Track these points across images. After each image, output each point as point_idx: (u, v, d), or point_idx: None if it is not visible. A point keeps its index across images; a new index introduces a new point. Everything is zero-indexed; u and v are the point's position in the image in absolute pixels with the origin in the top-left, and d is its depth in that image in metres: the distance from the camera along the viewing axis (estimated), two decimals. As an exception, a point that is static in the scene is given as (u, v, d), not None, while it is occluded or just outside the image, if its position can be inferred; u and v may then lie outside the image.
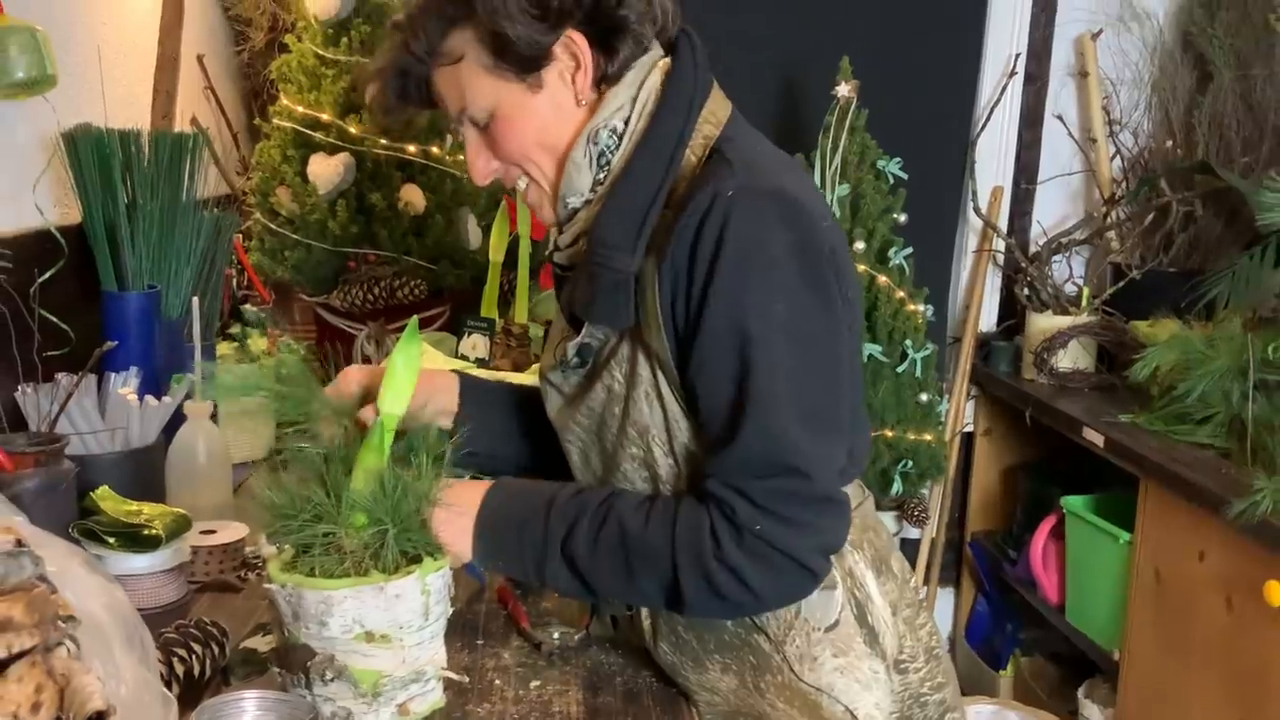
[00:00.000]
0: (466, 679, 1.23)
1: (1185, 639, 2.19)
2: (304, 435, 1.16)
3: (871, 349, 2.60)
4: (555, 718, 1.19)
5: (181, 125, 2.32)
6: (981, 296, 3.06)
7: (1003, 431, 3.08)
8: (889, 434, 2.64)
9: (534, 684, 1.26)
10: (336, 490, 1.07)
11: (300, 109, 2.25)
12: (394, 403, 1.10)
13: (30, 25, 1.57)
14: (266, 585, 1.08)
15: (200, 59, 2.54)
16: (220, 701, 1.02)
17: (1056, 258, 2.97)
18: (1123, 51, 3.00)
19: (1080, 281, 2.96)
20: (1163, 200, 2.85)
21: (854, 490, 1.26)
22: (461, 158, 2.40)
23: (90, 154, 1.74)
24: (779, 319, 1.09)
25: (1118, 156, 2.99)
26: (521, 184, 1.23)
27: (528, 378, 1.94)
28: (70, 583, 0.92)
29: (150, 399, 1.61)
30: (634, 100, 1.18)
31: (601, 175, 1.18)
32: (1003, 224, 3.06)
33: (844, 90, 2.53)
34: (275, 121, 2.29)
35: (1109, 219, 2.96)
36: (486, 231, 2.27)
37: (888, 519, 2.90)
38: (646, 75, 1.19)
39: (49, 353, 1.67)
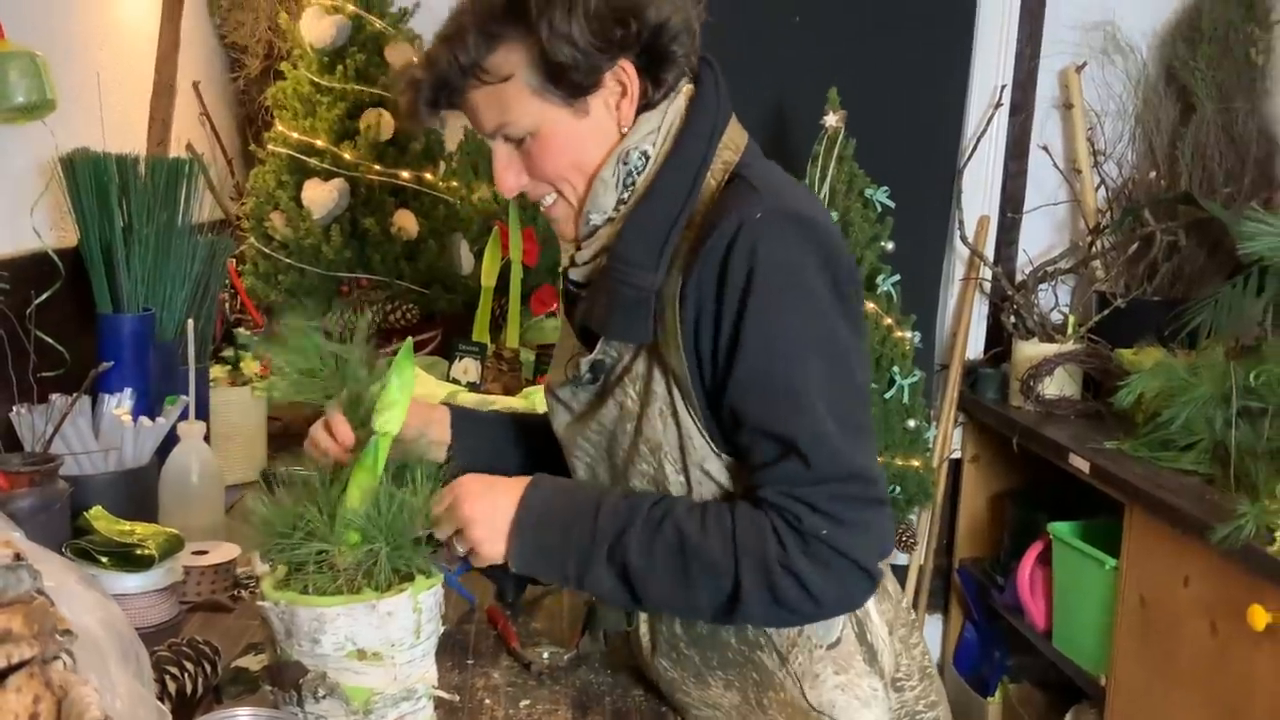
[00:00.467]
0: (457, 698, 1.24)
1: (1171, 664, 2.21)
2: (298, 457, 1.17)
3: (859, 375, 2.61)
4: (545, 736, 1.20)
5: (177, 151, 2.34)
6: (968, 324, 3.09)
7: (990, 458, 3.10)
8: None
9: (523, 703, 1.27)
10: (330, 508, 1.08)
11: (295, 135, 2.27)
12: (389, 422, 1.11)
13: (30, 50, 1.59)
14: (259, 603, 1.09)
15: (196, 85, 2.57)
16: (213, 718, 1.03)
17: (1042, 286, 3.00)
18: (1107, 84, 3.04)
19: (1066, 310, 2.99)
20: (1147, 230, 2.88)
21: None
22: (454, 184, 2.43)
23: (88, 178, 1.76)
24: (816, 335, 1.12)
25: (1102, 187, 3.03)
26: (548, 199, 1.24)
27: (519, 402, 1.96)
28: (67, 598, 0.93)
29: (144, 420, 1.62)
30: (661, 124, 1.20)
31: (625, 195, 1.20)
32: (989, 253, 3.09)
33: (832, 120, 2.56)
34: (270, 147, 2.31)
35: (1094, 248, 2.99)
36: (479, 257, 2.29)
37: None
38: (673, 100, 1.21)
39: (44, 373, 1.68)
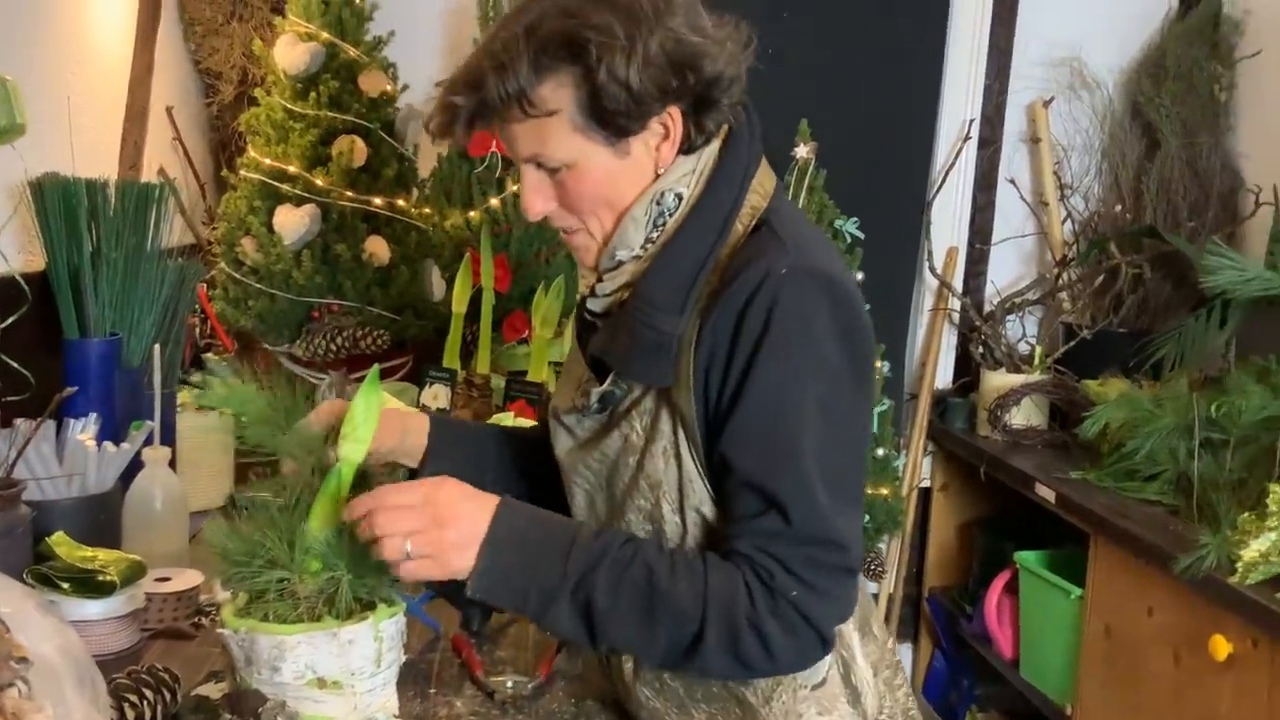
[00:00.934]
0: (417, 726, 1.23)
1: (1135, 693, 2.22)
2: (267, 474, 1.17)
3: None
4: (506, 765, 1.20)
5: (149, 175, 2.34)
6: (937, 354, 3.12)
7: (959, 487, 3.12)
8: (846, 488, 2.66)
9: (486, 731, 1.27)
10: (290, 536, 1.08)
11: (268, 161, 2.27)
12: (353, 449, 1.11)
13: (0, 75, 1.59)
14: (219, 630, 1.08)
15: (170, 110, 2.57)
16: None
17: (1010, 317, 3.03)
18: (1074, 119, 3.09)
19: (1033, 340, 3.02)
20: (1112, 263, 2.92)
21: None
22: (427, 210, 2.44)
23: (56, 202, 1.76)
24: (820, 396, 1.11)
25: (1069, 220, 3.07)
26: (571, 229, 1.22)
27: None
28: (24, 624, 0.93)
29: (109, 445, 1.61)
30: (697, 166, 1.19)
31: (654, 234, 1.19)
32: (958, 284, 3.12)
33: (803, 151, 2.59)
34: (243, 173, 2.31)
35: (1060, 280, 3.03)
36: (450, 283, 2.29)
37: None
38: (710, 143, 1.20)
39: (9, 398, 1.67)
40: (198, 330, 2.29)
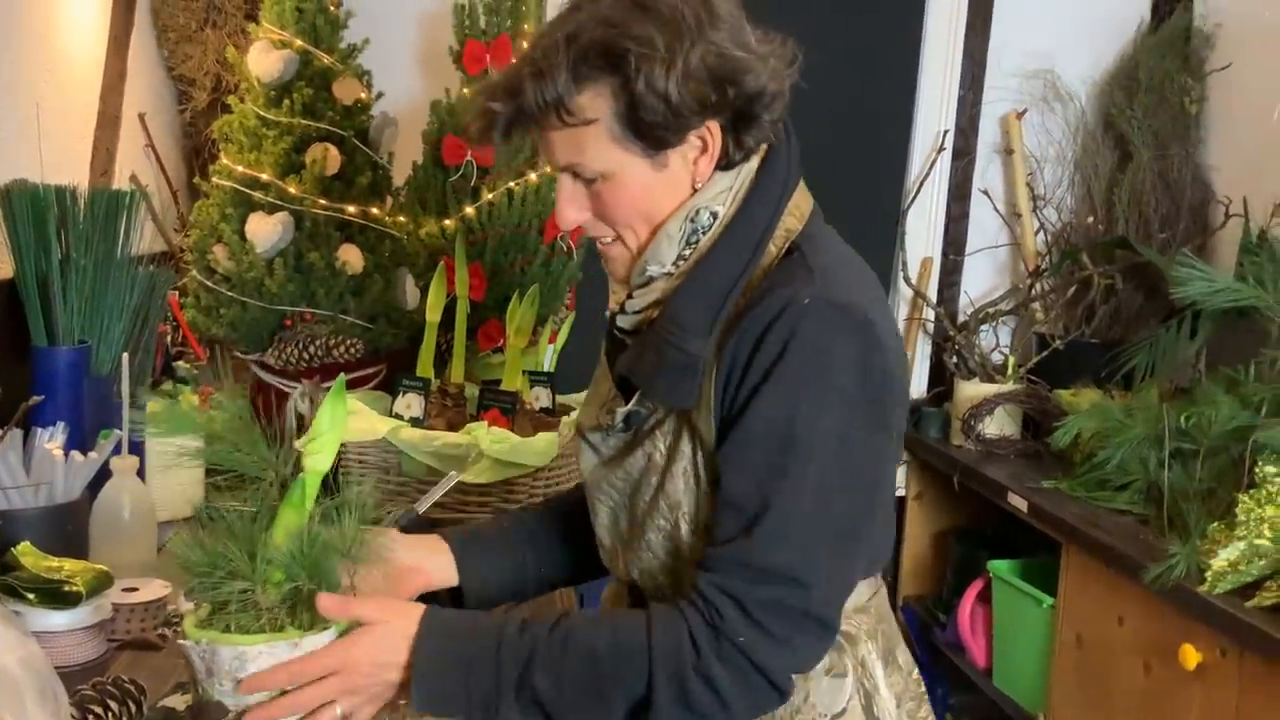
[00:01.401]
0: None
1: (1106, 702, 2.23)
2: (233, 490, 1.16)
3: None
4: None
5: (121, 182, 2.33)
6: (912, 363, 3.13)
7: (933, 496, 3.13)
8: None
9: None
10: (253, 547, 1.07)
11: (240, 168, 2.26)
12: (317, 459, 1.11)
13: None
14: (180, 641, 1.07)
15: (142, 117, 2.55)
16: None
17: (983, 327, 3.05)
18: (1047, 130, 3.11)
19: (1006, 350, 3.04)
20: (1085, 273, 2.94)
21: (870, 583, 1.26)
22: (401, 219, 2.43)
23: (25, 208, 1.75)
24: (825, 432, 1.09)
25: (1042, 231, 3.09)
26: (606, 239, 1.21)
27: (461, 438, 1.95)
28: (-16, 636, 0.92)
29: (76, 454, 1.60)
30: (734, 184, 1.18)
31: (687, 251, 1.17)
32: (932, 294, 3.14)
33: (778, 161, 2.60)
34: (215, 180, 2.30)
35: (1034, 291, 3.05)
36: (424, 292, 2.28)
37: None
38: (749, 160, 1.19)
39: (-25, 406, 1.66)
40: (169, 338, 2.27)
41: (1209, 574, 1.91)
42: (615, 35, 1.10)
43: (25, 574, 1.40)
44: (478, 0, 2.43)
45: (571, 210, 1.18)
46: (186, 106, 2.77)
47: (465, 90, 2.43)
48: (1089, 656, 2.29)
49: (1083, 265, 2.96)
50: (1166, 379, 2.52)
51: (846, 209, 2.83)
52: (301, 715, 1.07)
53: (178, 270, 2.37)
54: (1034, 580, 2.49)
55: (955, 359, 2.99)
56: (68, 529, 1.55)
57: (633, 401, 1.19)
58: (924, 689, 1.30)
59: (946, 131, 3.07)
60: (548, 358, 2.37)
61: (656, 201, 1.16)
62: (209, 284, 2.26)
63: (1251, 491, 1.96)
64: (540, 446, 1.95)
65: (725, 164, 1.17)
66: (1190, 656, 1.95)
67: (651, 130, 1.12)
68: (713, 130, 1.15)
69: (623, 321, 1.23)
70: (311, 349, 2.24)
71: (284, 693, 1.07)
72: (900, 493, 3.15)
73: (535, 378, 2.23)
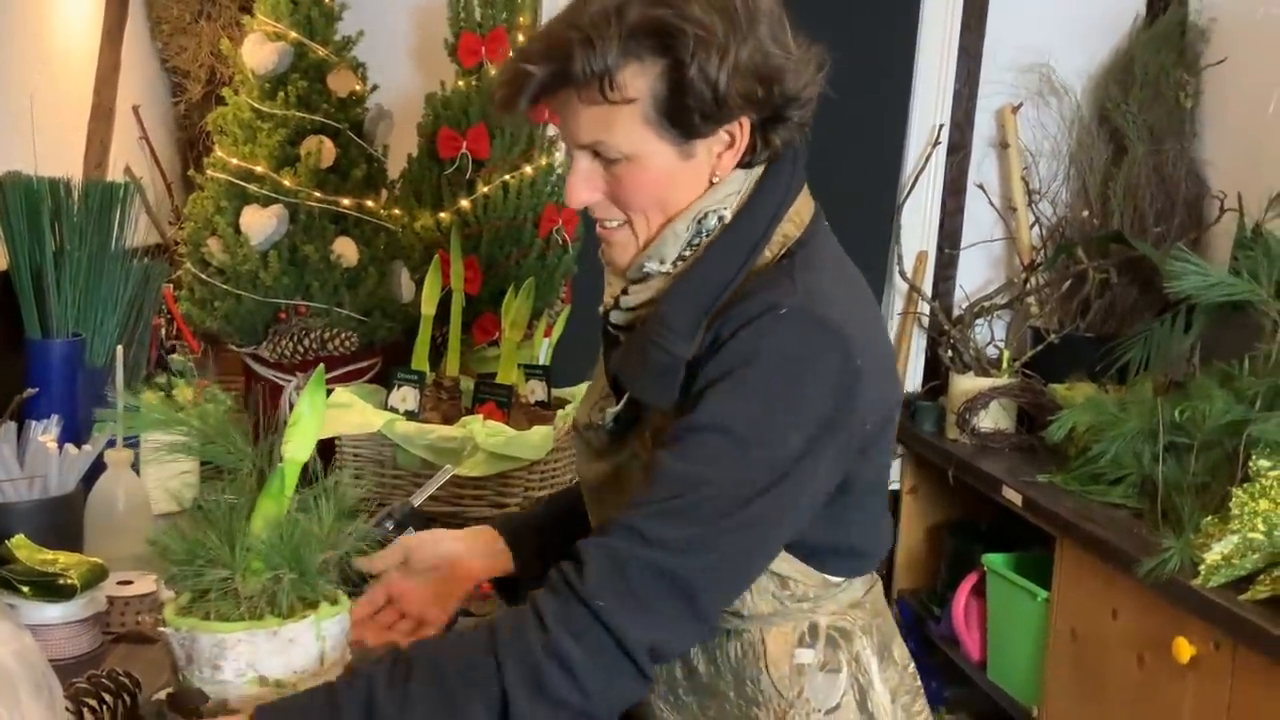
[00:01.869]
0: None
1: (1100, 695, 2.24)
2: (208, 481, 1.17)
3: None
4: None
5: (115, 174, 2.32)
6: (907, 358, 3.13)
7: (928, 490, 3.14)
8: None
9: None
10: (232, 536, 1.07)
11: (235, 161, 2.26)
12: (297, 449, 1.11)
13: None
14: (160, 629, 1.08)
15: (136, 109, 2.55)
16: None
17: (978, 321, 3.05)
18: (1042, 125, 3.11)
19: (1001, 345, 3.04)
20: (1079, 268, 2.95)
21: (865, 579, 1.26)
22: (396, 211, 2.42)
23: (19, 201, 1.74)
24: (774, 440, 1.06)
25: (1037, 225, 3.09)
26: (613, 223, 1.18)
27: (457, 431, 1.95)
28: (-22, 629, 0.91)
29: (70, 447, 1.60)
30: (740, 188, 1.16)
31: (687, 252, 1.16)
32: (927, 288, 3.14)
33: (773, 155, 2.60)
34: (210, 173, 2.29)
35: (1028, 285, 3.05)
36: (419, 285, 2.28)
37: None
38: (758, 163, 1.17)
39: (-32, 399, 1.66)
40: (163, 331, 2.27)
41: (1203, 567, 1.91)
42: (672, 16, 1.07)
43: (19, 567, 1.40)
44: (473, -7, 2.43)
45: (584, 189, 1.15)
46: (181, 99, 2.76)
47: (460, 83, 2.42)
48: (1083, 650, 2.29)
49: (1078, 259, 2.96)
50: (1161, 373, 2.52)
51: (841, 203, 2.83)
52: None
53: (172, 263, 2.37)
54: (1028, 574, 2.50)
55: (950, 353, 2.99)
56: (62, 522, 1.55)
57: (622, 403, 1.19)
58: (920, 683, 1.30)
59: (942, 126, 3.07)
60: (543, 351, 2.37)
61: (675, 190, 1.14)
62: (203, 277, 2.25)
63: (1245, 485, 1.96)
64: (535, 440, 1.95)
65: (746, 162, 1.16)
66: (1184, 650, 1.96)
67: (689, 118, 1.09)
68: (744, 126, 1.13)
69: (617, 318, 1.22)
70: (306, 342, 2.23)
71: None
72: (894, 487, 3.15)
73: (531, 371, 2.23)
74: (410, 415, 2.08)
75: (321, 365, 1.16)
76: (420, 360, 2.21)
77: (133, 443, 1.75)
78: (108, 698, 1.19)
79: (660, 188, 1.14)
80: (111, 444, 1.67)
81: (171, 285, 2.32)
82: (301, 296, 2.25)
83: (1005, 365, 2.89)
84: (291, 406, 2.07)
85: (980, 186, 3.11)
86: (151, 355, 2.13)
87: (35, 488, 1.55)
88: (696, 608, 1.05)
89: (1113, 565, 2.14)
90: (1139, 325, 2.69)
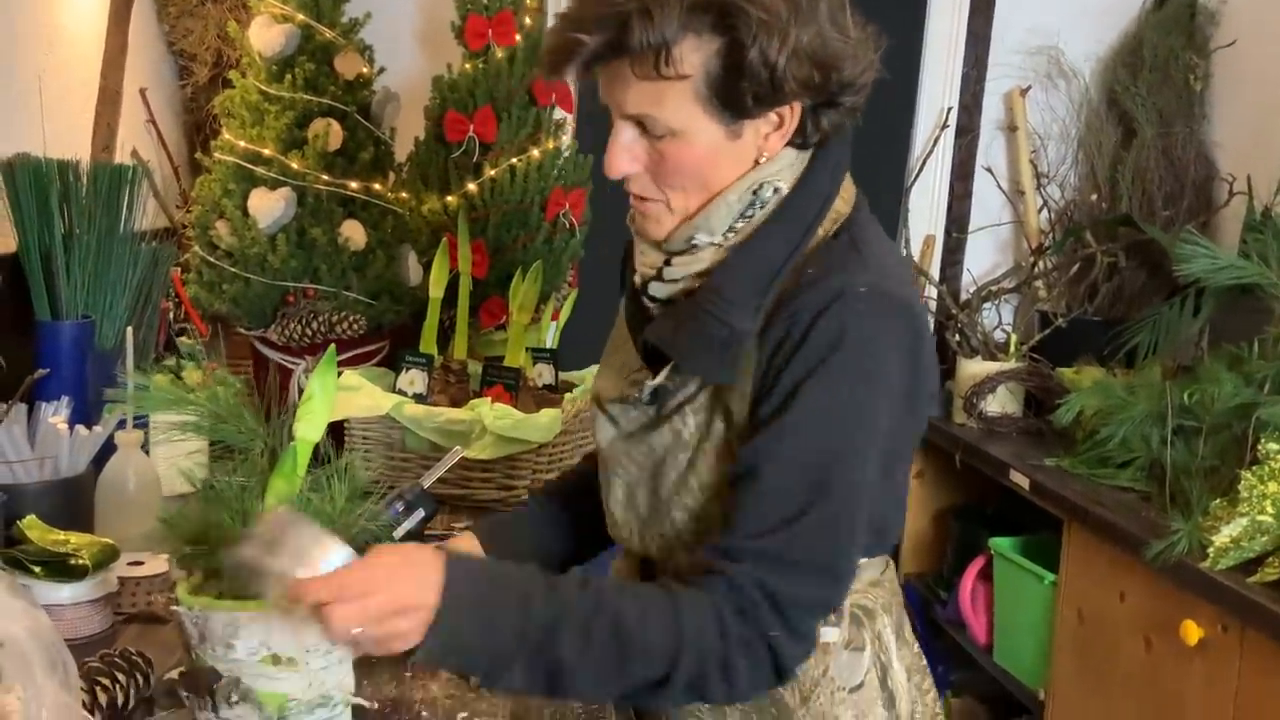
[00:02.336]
0: (374, 705, 1.23)
1: (1107, 678, 2.24)
2: (220, 460, 1.17)
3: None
4: (481, 748, 1.20)
5: (122, 157, 2.32)
6: (914, 342, 3.12)
7: (935, 474, 3.14)
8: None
9: (461, 715, 1.27)
10: (244, 515, 1.08)
11: (243, 144, 2.25)
12: (309, 429, 1.11)
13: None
14: (173, 608, 1.08)
15: (143, 92, 2.54)
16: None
17: (986, 305, 3.05)
18: (1050, 108, 3.10)
19: (1009, 328, 3.04)
20: (1088, 251, 2.94)
21: (882, 559, 1.27)
22: (404, 194, 2.42)
23: (28, 183, 1.74)
24: (873, 427, 1.08)
25: (1045, 208, 3.09)
26: (648, 195, 1.16)
27: (464, 414, 1.95)
28: (-7, 606, 0.92)
29: (81, 428, 1.60)
30: (795, 162, 1.16)
31: (740, 224, 1.14)
32: (935, 271, 3.13)
33: (781, 138, 2.59)
34: (217, 156, 2.29)
35: (1036, 269, 3.04)
36: (427, 268, 2.28)
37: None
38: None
39: (-21, 380, 1.66)
40: (172, 314, 2.27)
41: (1211, 550, 1.92)
42: None
43: (31, 547, 1.40)
44: (480, -25, 2.42)
45: (624, 160, 1.13)
46: (188, 81, 2.75)
47: (467, 66, 2.42)
48: (1090, 633, 2.30)
49: (1086, 243, 2.95)
50: (1169, 356, 2.52)
51: (849, 186, 2.87)
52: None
53: (180, 246, 2.37)
54: (1035, 557, 2.50)
55: (958, 337, 2.99)
56: (73, 502, 1.56)
57: (663, 374, 1.16)
58: (926, 663, 1.31)
59: (950, 109, 3.06)
60: (550, 334, 2.37)
61: (719, 169, 1.13)
62: (211, 260, 2.25)
63: (1254, 468, 1.96)
64: (543, 423, 1.95)
65: (798, 144, 1.15)
66: (1192, 632, 1.96)
67: (741, 98, 1.08)
68: (795, 110, 1.12)
69: (657, 290, 1.18)
70: (314, 325, 2.23)
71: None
72: (902, 470, 3.15)
73: (538, 354, 2.23)
74: (418, 398, 2.08)
75: (333, 346, 1.15)
76: (428, 343, 2.21)
77: (143, 423, 1.76)
78: (120, 676, 1.20)
79: (704, 165, 1.12)
80: (122, 425, 1.67)
81: (179, 268, 2.32)
82: (309, 279, 2.25)
83: (1013, 349, 2.89)
84: (301, 390, 2.07)
85: (988, 170, 3.11)
86: (160, 338, 2.13)
87: (46, 469, 1.55)
88: (837, 606, 1.14)
89: (1120, 548, 2.14)
90: (1147, 309, 2.69)
